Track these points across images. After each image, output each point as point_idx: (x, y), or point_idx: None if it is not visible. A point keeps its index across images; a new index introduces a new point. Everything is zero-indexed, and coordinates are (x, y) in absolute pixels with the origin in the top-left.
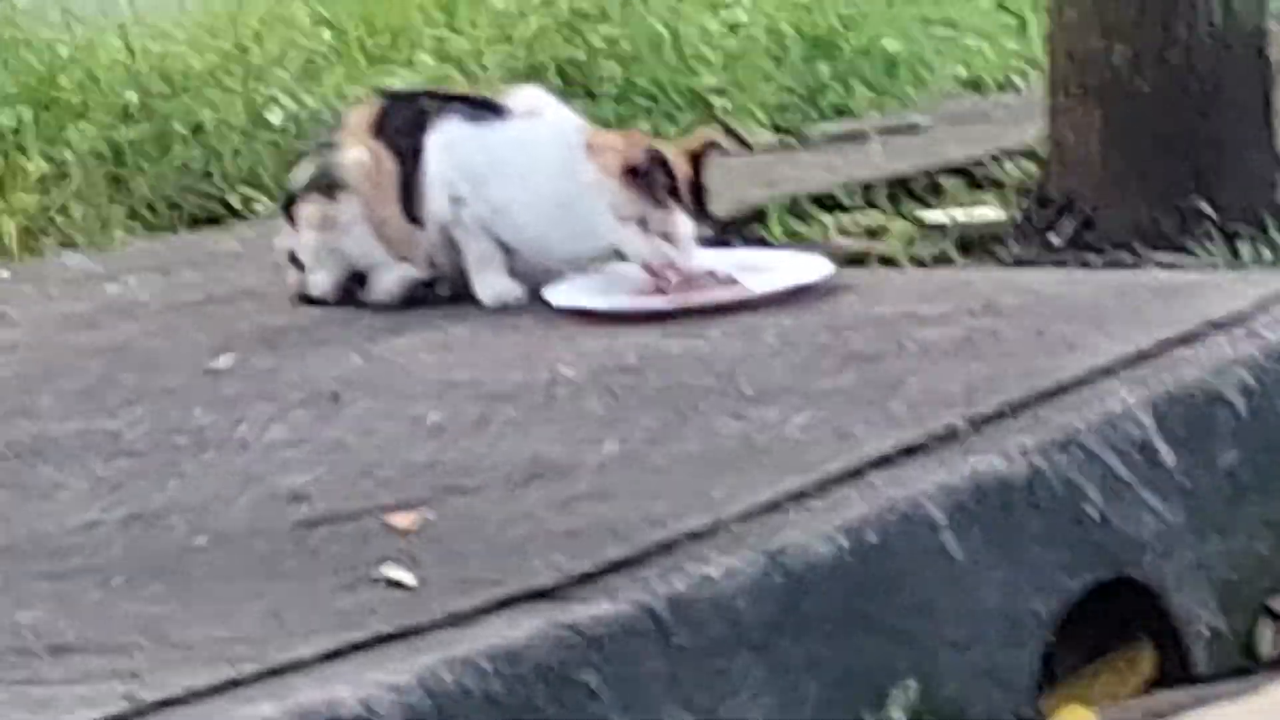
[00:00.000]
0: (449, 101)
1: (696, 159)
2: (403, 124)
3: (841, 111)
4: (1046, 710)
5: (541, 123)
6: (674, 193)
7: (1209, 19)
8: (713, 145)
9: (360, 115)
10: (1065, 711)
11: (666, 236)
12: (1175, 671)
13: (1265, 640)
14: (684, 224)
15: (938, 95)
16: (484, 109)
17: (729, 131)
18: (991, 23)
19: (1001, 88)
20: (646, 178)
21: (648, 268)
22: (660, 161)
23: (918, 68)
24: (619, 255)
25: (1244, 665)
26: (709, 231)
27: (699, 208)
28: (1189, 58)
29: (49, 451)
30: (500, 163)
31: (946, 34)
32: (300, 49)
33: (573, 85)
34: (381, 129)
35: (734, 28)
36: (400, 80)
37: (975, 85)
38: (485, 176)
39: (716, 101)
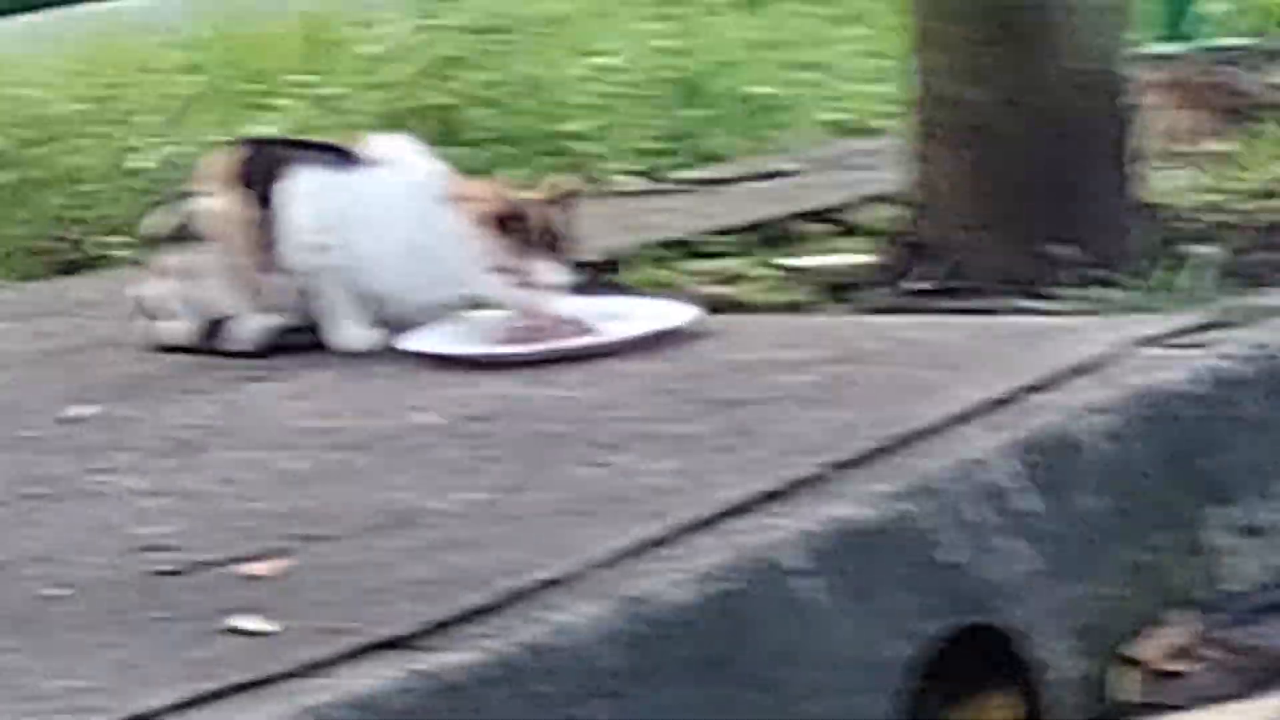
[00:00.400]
0: (309, 149)
1: (560, 205)
2: (262, 172)
3: (710, 156)
4: None
5: (401, 171)
6: (539, 240)
7: (1070, 63)
8: (574, 193)
9: (219, 163)
10: None
11: (533, 284)
12: (1036, 717)
13: (1121, 685)
14: (550, 271)
15: (806, 140)
16: (344, 157)
17: (589, 176)
18: (861, 67)
19: (870, 132)
20: (511, 227)
21: (517, 315)
22: (524, 210)
23: (787, 112)
24: (480, 304)
25: (1103, 711)
26: (572, 278)
27: (563, 255)
28: (1051, 102)
29: None
30: (359, 211)
31: (816, 78)
32: (168, 95)
33: (441, 131)
34: (241, 177)
35: (604, 72)
36: (267, 125)
37: (844, 130)
38: (345, 225)
39: (584, 148)
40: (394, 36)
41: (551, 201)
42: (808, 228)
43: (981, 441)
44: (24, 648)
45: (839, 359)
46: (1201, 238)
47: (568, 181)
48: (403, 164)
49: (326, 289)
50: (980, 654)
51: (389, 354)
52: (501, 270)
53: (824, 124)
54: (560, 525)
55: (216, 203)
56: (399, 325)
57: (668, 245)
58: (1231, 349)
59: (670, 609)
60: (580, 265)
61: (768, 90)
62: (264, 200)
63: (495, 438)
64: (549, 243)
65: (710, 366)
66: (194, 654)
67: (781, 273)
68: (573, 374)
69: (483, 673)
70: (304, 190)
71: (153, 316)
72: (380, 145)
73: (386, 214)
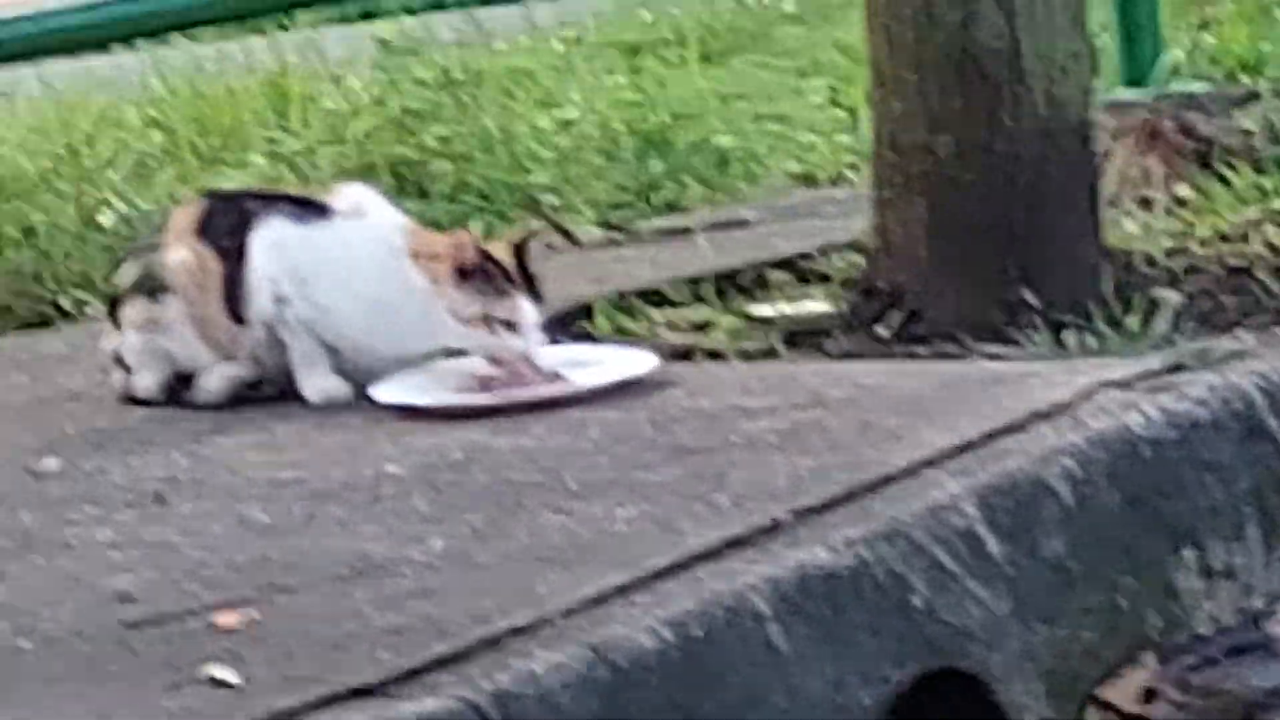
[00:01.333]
0: (273, 201)
1: (520, 250)
2: (227, 224)
3: (673, 207)
4: None
5: (365, 224)
6: (504, 287)
7: (1034, 110)
8: (532, 235)
9: (184, 216)
10: None
11: (512, 326)
12: None
13: None
14: (527, 310)
15: (770, 190)
16: (308, 208)
17: (556, 227)
18: (824, 118)
19: (834, 182)
20: (476, 276)
21: (495, 361)
22: (487, 258)
23: (750, 163)
24: (449, 354)
25: None
26: (539, 321)
27: (529, 299)
28: (1014, 148)
29: None
30: (324, 263)
31: (779, 129)
32: (132, 151)
33: (405, 184)
34: (205, 229)
35: (566, 125)
36: (232, 181)
37: (807, 180)
38: (309, 277)
39: (548, 199)
40: (357, 92)
41: (514, 248)
42: (772, 276)
43: (948, 486)
44: None
45: (805, 405)
46: (1166, 281)
47: (529, 229)
48: (366, 216)
49: (293, 340)
50: (949, 698)
51: (357, 404)
52: (468, 320)
53: (787, 174)
54: (528, 573)
55: (181, 255)
56: (366, 376)
57: (633, 294)
58: (1196, 392)
59: (638, 656)
60: (547, 314)
61: (730, 142)
62: (228, 253)
63: (463, 486)
64: (514, 289)
65: (677, 413)
66: (164, 704)
67: (747, 321)
68: (540, 422)
69: None
70: (268, 242)
71: (120, 369)
72: (344, 196)
73: (350, 266)
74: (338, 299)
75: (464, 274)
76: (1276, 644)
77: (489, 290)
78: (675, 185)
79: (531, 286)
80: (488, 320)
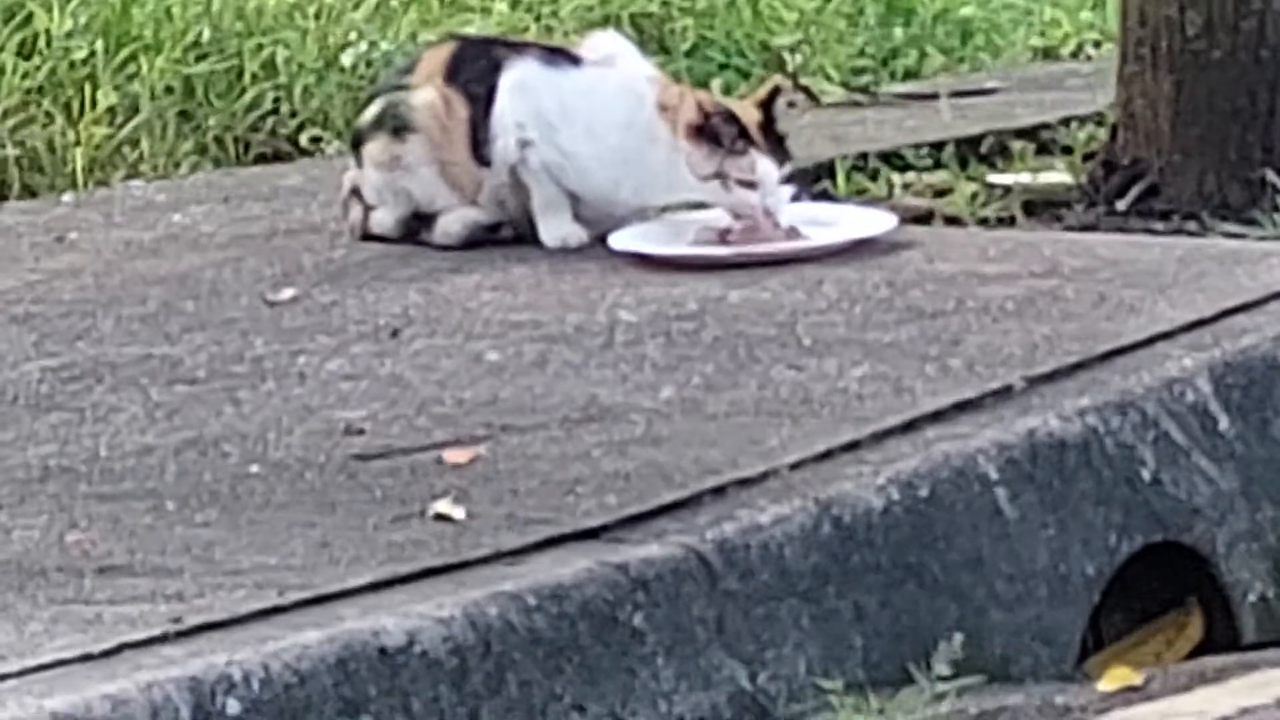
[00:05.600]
0: (524, 49)
1: (766, 105)
2: (475, 69)
3: (914, 75)
4: (1093, 671)
5: (613, 74)
6: (748, 138)
7: None
8: (779, 90)
9: (433, 58)
10: (1112, 673)
11: (749, 184)
12: (1223, 637)
13: None
14: (766, 166)
15: (1011, 63)
16: (559, 56)
17: (798, 86)
18: None
19: (1075, 57)
20: (713, 132)
21: (737, 216)
22: (730, 114)
23: (992, 34)
24: (690, 207)
25: None
26: (783, 177)
27: (777, 149)
28: (1262, 26)
29: (107, 376)
30: (571, 110)
31: (1022, 3)
32: None
33: (646, 39)
34: (454, 72)
35: None
36: (474, 26)
37: (1049, 54)
38: (555, 123)
39: (790, 59)
40: None
41: (761, 105)
42: (1014, 145)
43: (1182, 360)
44: (222, 524)
45: (1041, 274)
46: None
47: (776, 83)
48: (615, 66)
49: (535, 184)
50: (1168, 572)
51: (593, 251)
52: (712, 175)
53: (1029, 48)
54: (758, 425)
55: (429, 96)
56: (604, 224)
57: (873, 157)
58: None
59: (864, 513)
60: (789, 170)
61: (973, 13)
62: (476, 97)
63: (696, 337)
64: (754, 147)
65: (913, 276)
66: (389, 537)
67: (986, 188)
68: (776, 277)
69: (675, 568)
70: (516, 86)
71: (359, 205)
72: (594, 44)
73: (597, 114)
74: (583, 146)
75: (701, 131)
76: None
77: (726, 149)
78: (917, 53)
79: (778, 144)
80: (723, 178)
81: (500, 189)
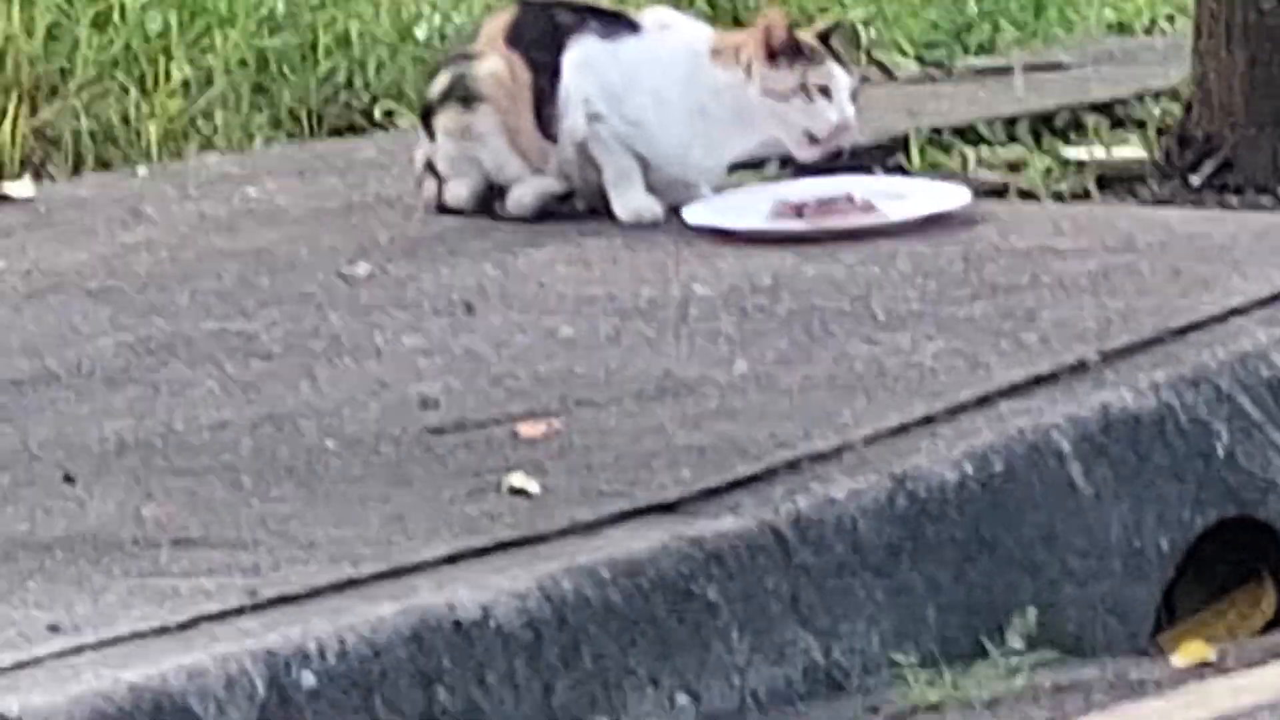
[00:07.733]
0: (583, 14)
1: (825, 38)
2: (537, 35)
3: (987, 50)
4: (1166, 646)
5: (672, 36)
6: (818, 59)
7: None
8: (838, 26)
9: (494, 24)
10: (1185, 648)
11: (827, 92)
12: None
13: None
14: (840, 74)
15: (1084, 37)
16: (618, 24)
17: (873, 60)
18: None
19: (1148, 32)
20: (791, 47)
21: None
22: (797, 35)
23: (1065, 9)
24: (759, 163)
25: None
26: (856, 85)
27: (843, 68)
28: None
29: (183, 350)
30: (634, 79)
31: None
32: None
33: (719, 12)
34: (514, 37)
35: None
36: None
37: (1122, 29)
38: (621, 93)
39: (864, 33)
40: None
41: (819, 35)
42: (1088, 119)
43: (1257, 335)
44: (298, 497)
45: (1116, 248)
46: None
47: (834, 22)
48: (674, 30)
49: (607, 157)
50: (1242, 547)
51: (667, 225)
52: (786, 95)
53: (1103, 23)
54: (832, 399)
55: (492, 64)
56: (680, 190)
57: (947, 131)
58: None
59: (938, 487)
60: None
61: None
62: (539, 65)
63: (770, 311)
64: (827, 57)
65: (987, 250)
66: (463, 510)
67: (1060, 162)
68: (850, 251)
69: (750, 541)
70: (580, 61)
71: (433, 178)
72: (650, 15)
73: (660, 78)
74: (650, 111)
75: (775, 52)
76: None
77: (803, 60)
78: (990, 27)
79: (843, 64)
80: (805, 89)
81: (569, 162)
